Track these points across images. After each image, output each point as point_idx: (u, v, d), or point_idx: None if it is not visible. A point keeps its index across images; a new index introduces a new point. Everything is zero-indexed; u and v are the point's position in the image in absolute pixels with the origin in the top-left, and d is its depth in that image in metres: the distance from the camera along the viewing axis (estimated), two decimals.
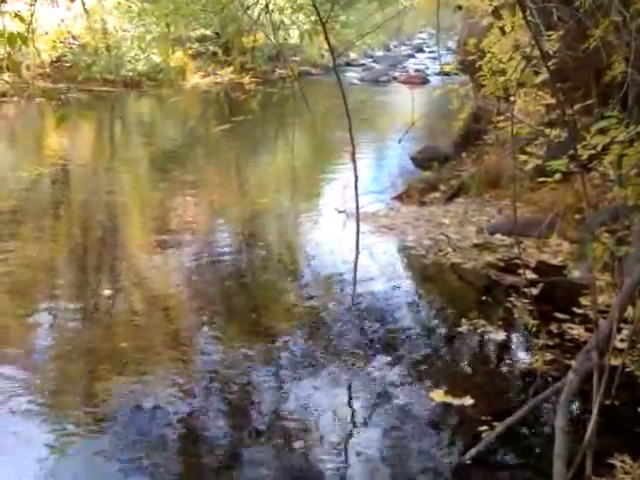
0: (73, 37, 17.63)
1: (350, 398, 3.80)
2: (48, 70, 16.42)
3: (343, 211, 7.02)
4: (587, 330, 4.36)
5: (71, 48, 17.48)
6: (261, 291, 5.35)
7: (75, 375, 3.97)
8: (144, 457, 3.21)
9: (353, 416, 3.61)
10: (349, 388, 3.88)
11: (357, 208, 3.32)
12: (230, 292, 5.33)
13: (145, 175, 9.59)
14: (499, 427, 3.26)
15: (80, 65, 17.20)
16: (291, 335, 4.48)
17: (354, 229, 4.74)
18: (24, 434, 3.38)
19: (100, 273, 5.74)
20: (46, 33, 15.89)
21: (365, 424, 3.54)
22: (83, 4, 17.28)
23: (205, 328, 4.56)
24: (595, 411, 2.87)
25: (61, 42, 17.28)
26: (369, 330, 4.58)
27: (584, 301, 4.78)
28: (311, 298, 5.09)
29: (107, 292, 5.15)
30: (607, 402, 3.19)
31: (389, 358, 4.17)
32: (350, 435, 3.44)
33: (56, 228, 6.96)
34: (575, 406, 3.44)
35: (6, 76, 13.47)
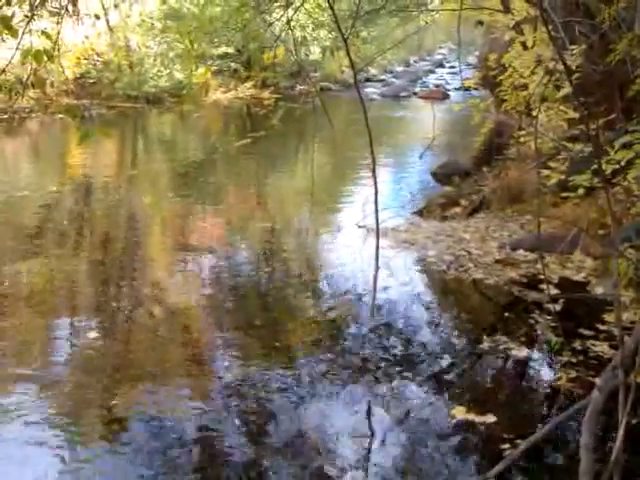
0: (96, 54, 17.89)
1: (370, 414, 3.77)
2: (72, 87, 16.67)
3: (363, 226, 7.01)
4: (611, 347, 4.30)
5: (94, 65, 17.74)
6: (280, 306, 5.34)
7: (93, 389, 3.97)
8: (160, 473, 3.21)
9: (373, 432, 3.57)
10: (369, 404, 3.84)
11: (377, 223, 3.30)
12: (249, 307, 5.33)
13: (166, 191, 9.65)
14: (522, 445, 3.21)
15: (103, 82, 17.45)
16: (310, 350, 4.46)
17: (374, 244, 4.75)
18: (41, 445, 3.39)
19: (120, 289, 5.76)
20: (69, 50, 16.15)
21: (385, 440, 3.50)
22: (107, 22, 17.56)
23: (224, 343, 4.56)
24: (621, 430, 2.81)
25: (85, 59, 17.55)
26: (389, 346, 4.54)
27: (608, 318, 4.72)
28: (331, 313, 5.06)
29: (127, 307, 5.18)
30: (634, 421, 3.13)
31: (409, 374, 4.13)
32: (370, 451, 3.41)
33: (78, 244, 7.03)
34: (601, 425, 3.37)
35: (31, 92, 13.70)
